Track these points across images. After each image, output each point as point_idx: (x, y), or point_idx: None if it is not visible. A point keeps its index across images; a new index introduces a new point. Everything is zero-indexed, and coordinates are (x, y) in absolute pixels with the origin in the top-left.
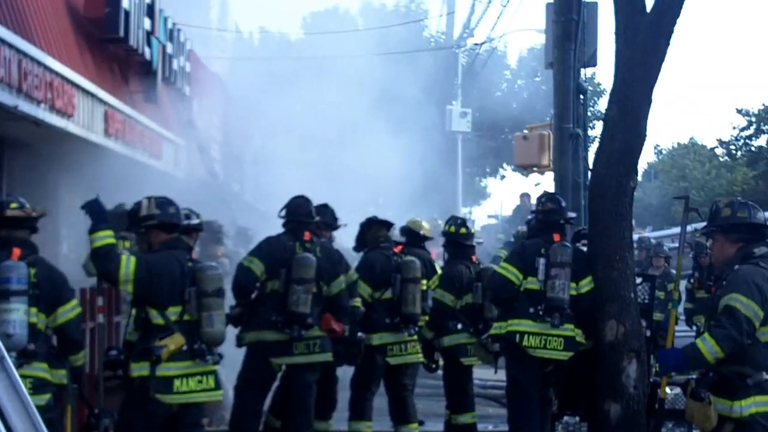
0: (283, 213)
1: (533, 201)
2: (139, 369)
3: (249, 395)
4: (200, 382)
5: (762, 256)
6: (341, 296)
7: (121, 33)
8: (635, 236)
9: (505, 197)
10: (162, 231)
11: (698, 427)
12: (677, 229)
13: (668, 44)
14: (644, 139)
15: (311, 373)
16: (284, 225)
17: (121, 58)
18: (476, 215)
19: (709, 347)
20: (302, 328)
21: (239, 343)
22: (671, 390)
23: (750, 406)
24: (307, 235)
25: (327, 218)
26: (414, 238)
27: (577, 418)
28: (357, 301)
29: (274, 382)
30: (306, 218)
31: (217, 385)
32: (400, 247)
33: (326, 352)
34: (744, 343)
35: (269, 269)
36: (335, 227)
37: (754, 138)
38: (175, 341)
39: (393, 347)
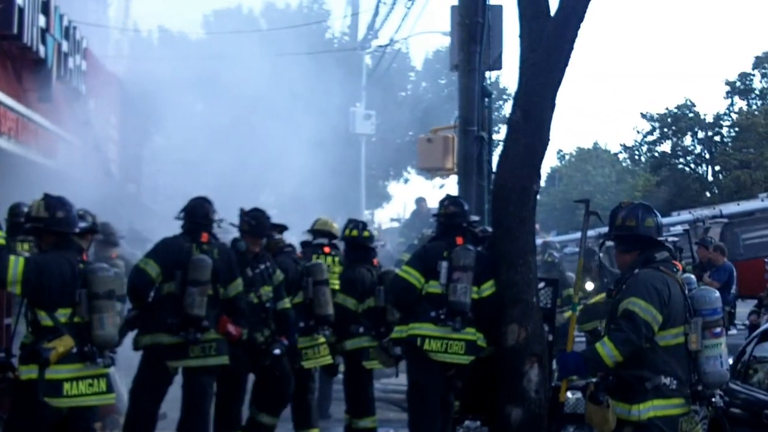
0: (182, 215)
1: (431, 205)
2: (28, 372)
3: (144, 399)
4: (91, 385)
5: (663, 261)
6: (238, 299)
7: (15, 30)
8: (539, 240)
9: (408, 201)
10: (51, 234)
11: (597, 430)
12: (580, 234)
13: (572, 48)
14: (547, 143)
15: (207, 376)
16: (182, 227)
17: (15, 55)
18: (379, 218)
19: (607, 351)
20: (198, 330)
21: (135, 346)
22: (573, 394)
23: (648, 409)
24: (204, 237)
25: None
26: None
27: (479, 423)
28: (286, 303)
29: (169, 386)
30: (203, 220)
31: (109, 389)
32: (327, 249)
33: (222, 356)
34: (643, 347)
35: (165, 271)
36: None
37: (657, 143)
38: (64, 343)
39: (308, 351)
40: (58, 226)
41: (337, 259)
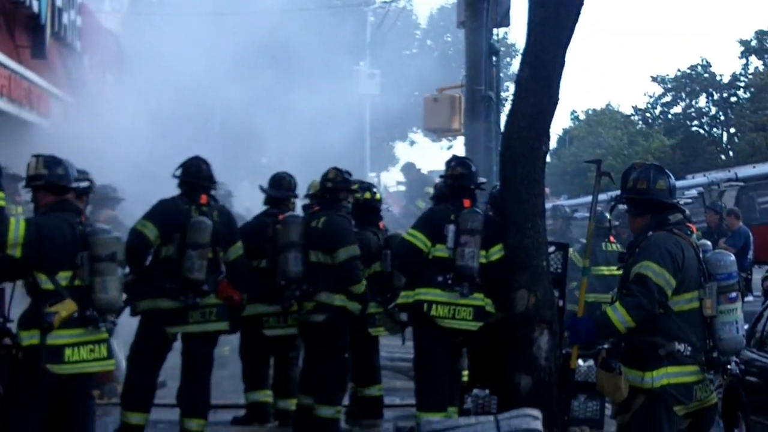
0: (179, 172)
1: (437, 167)
2: (29, 337)
3: (142, 366)
4: (92, 350)
5: (677, 223)
6: (239, 263)
7: None
8: (549, 204)
9: (415, 163)
10: (49, 192)
11: (609, 399)
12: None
13: (582, 4)
14: (557, 102)
15: (207, 342)
16: (180, 186)
17: (8, 10)
18: (385, 181)
19: (619, 316)
20: (197, 295)
21: (133, 311)
22: (584, 362)
23: (662, 377)
24: (203, 198)
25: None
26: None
27: (487, 391)
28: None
29: (168, 352)
30: (203, 181)
31: (110, 355)
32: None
33: (222, 321)
34: (655, 313)
35: (163, 234)
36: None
37: (671, 105)
38: (66, 307)
39: (269, 319)
40: (59, 182)
41: None
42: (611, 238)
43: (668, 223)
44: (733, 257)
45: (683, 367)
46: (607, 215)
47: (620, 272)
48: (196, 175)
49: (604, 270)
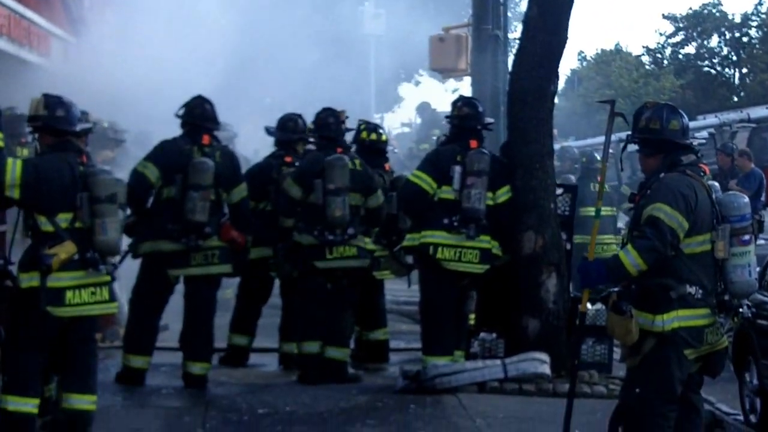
0: (181, 112)
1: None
2: (29, 279)
3: (144, 310)
4: (93, 293)
5: (690, 164)
6: (243, 204)
7: None
8: (557, 146)
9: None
10: (49, 133)
11: (619, 342)
12: (602, 138)
13: None
14: (565, 41)
15: (209, 285)
16: (182, 127)
17: None
18: (389, 123)
19: (631, 259)
20: (200, 237)
21: (134, 254)
22: (592, 306)
23: (673, 320)
24: (206, 139)
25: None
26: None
27: (494, 335)
28: None
29: (170, 296)
30: (206, 121)
31: (111, 297)
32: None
33: (225, 264)
34: (668, 255)
35: (165, 175)
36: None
37: (682, 45)
38: (66, 249)
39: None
40: (57, 124)
41: None
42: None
43: (681, 164)
44: (746, 199)
45: (694, 311)
46: (597, 156)
47: (610, 213)
48: (199, 116)
49: (592, 211)
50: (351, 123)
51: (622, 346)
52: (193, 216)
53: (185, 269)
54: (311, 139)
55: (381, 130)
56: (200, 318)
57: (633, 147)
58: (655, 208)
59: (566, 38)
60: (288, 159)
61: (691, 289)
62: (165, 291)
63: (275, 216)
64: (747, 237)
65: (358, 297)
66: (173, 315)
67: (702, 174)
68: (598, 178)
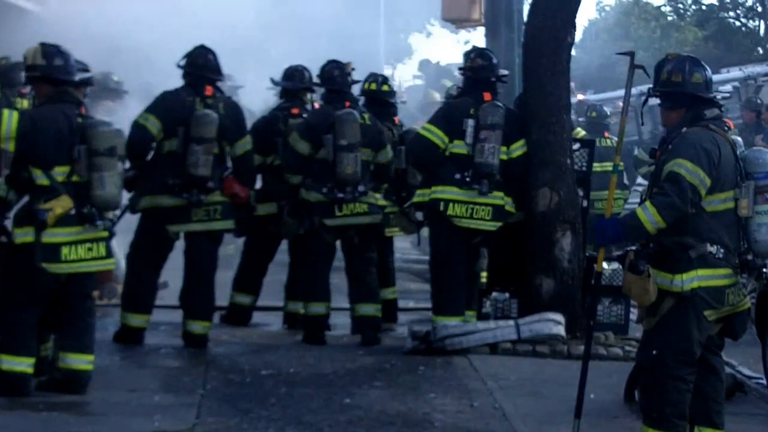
0: (183, 63)
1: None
2: (23, 234)
3: (143, 266)
4: (90, 249)
5: (713, 119)
6: (247, 158)
7: None
8: (574, 99)
9: (432, 57)
10: (47, 83)
11: (636, 302)
12: (621, 92)
13: None
14: None
15: (211, 242)
16: (184, 77)
17: None
18: (400, 75)
19: (649, 216)
20: (202, 192)
21: (133, 208)
22: (609, 265)
23: (692, 279)
24: (209, 90)
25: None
26: None
27: (507, 295)
28: None
29: (170, 251)
30: (209, 72)
31: (109, 253)
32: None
33: (228, 220)
34: (688, 213)
35: (166, 127)
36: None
37: None
38: (62, 204)
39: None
40: (56, 74)
41: None
42: (606, 134)
43: (704, 119)
44: None
45: (715, 270)
46: (607, 111)
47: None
48: (201, 66)
49: (597, 167)
50: (360, 75)
51: (638, 307)
52: (196, 170)
53: (186, 225)
54: (316, 90)
55: (381, 79)
56: (201, 275)
57: (654, 101)
58: (676, 163)
59: None
60: (295, 111)
61: (712, 248)
62: (165, 247)
63: (283, 170)
64: None
65: (375, 254)
66: (173, 272)
67: (726, 129)
68: (605, 134)
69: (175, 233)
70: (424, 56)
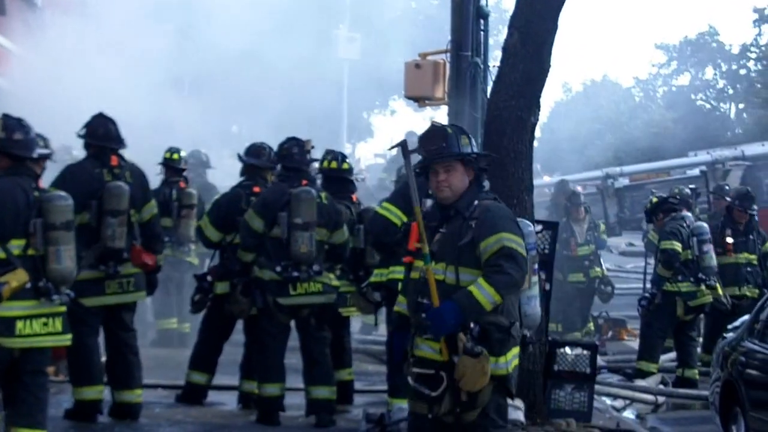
0: (83, 133)
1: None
2: None
3: (79, 341)
4: (45, 324)
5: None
6: (154, 223)
7: None
8: (552, 179)
9: (394, 135)
10: (6, 157)
11: (469, 388)
12: (591, 173)
13: None
14: (548, 71)
15: (128, 313)
16: (86, 148)
17: None
18: (361, 153)
19: (486, 294)
20: (117, 264)
21: None
22: (572, 350)
23: (514, 358)
24: (114, 160)
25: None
26: None
27: None
28: None
29: (99, 318)
30: (111, 143)
31: (65, 329)
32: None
33: (140, 291)
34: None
35: (76, 201)
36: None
37: (675, 76)
38: (17, 277)
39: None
40: (14, 149)
41: None
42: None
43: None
44: (531, 227)
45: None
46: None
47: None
48: (103, 136)
49: None
50: (319, 153)
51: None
52: (113, 242)
53: (100, 298)
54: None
55: (340, 157)
56: (123, 345)
57: (623, 182)
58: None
59: (548, 67)
60: (256, 189)
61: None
62: (90, 321)
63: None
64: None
65: (329, 334)
66: None
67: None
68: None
69: (93, 307)
70: (386, 135)
